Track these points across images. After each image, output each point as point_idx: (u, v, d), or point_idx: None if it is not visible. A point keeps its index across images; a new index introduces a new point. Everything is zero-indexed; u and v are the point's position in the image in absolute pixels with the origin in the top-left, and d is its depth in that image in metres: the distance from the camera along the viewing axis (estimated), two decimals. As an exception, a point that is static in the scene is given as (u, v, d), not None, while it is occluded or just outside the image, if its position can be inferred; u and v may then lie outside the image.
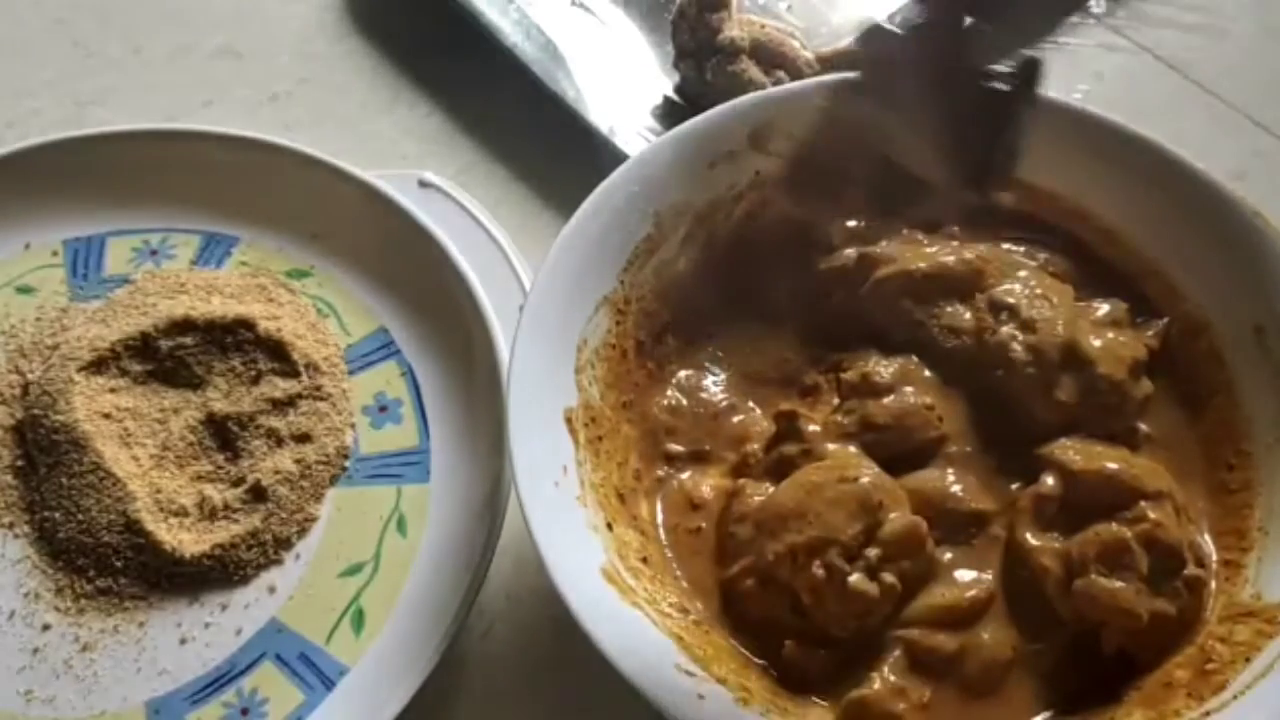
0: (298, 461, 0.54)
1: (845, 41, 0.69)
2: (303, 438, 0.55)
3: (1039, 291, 0.52)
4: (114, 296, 0.59)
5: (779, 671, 0.46)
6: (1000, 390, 0.50)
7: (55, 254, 0.62)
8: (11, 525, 0.53)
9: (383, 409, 0.57)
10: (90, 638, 0.50)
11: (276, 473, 0.53)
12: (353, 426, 0.56)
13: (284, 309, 0.58)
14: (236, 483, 0.54)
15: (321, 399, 0.56)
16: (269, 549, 0.52)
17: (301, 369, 0.56)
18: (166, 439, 0.54)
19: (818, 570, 0.45)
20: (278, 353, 0.56)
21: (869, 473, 0.47)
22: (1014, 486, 0.49)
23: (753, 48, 0.66)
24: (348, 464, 0.55)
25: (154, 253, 0.62)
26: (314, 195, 0.62)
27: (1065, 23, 0.75)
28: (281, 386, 0.55)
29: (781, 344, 0.55)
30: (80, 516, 0.52)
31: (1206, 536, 0.49)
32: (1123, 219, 0.55)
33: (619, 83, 0.69)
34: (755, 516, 0.48)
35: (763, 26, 0.67)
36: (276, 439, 0.54)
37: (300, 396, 0.56)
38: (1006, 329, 0.51)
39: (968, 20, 0.46)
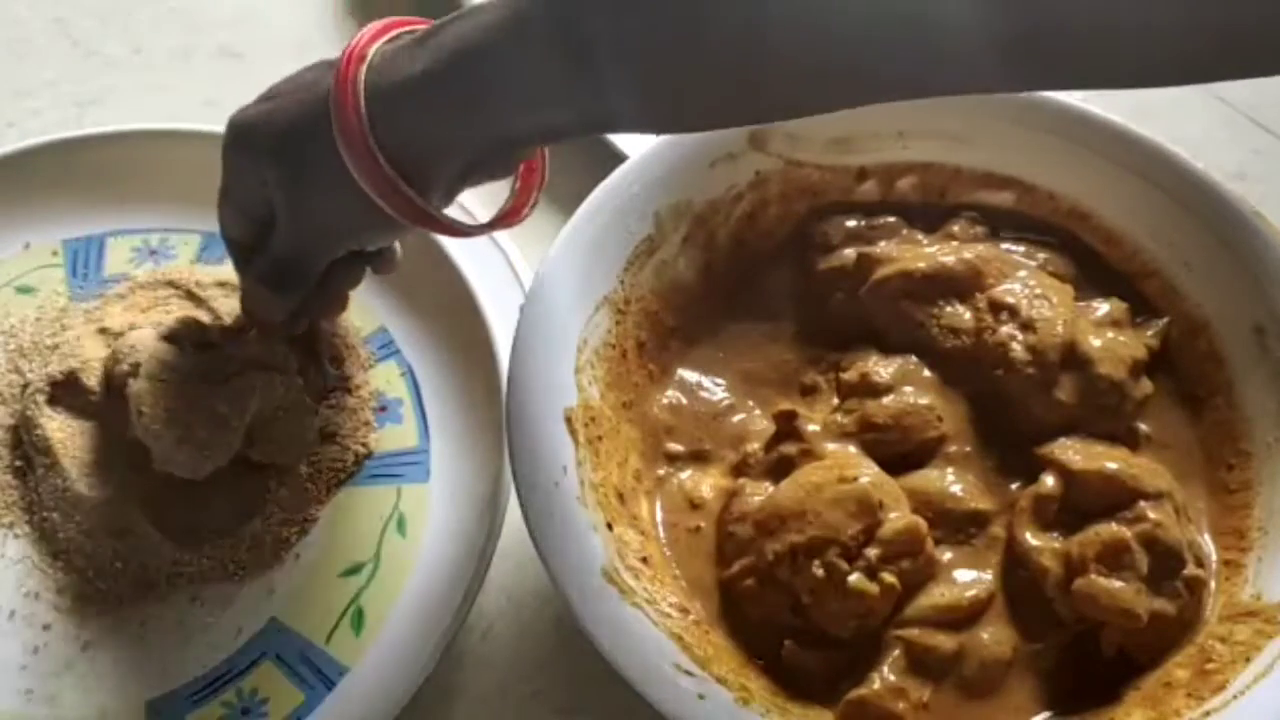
0: (311, 464, 0.54)
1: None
2: (329, 436, 0.55)
3: (1039, 291, 0.52)
4: (109, 294, 0.59)
5: (779, 671, 0.46)
6: (1000, 390, 0.50)
7: (55, 254, 0.62)
8: (11, 525, 0.53)
9: (383, 409, 0.57)
10: (90, 637, 0.50)
11: (281, 474, 0.53)
12: (372, 427, 0.56)
13: None
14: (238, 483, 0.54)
15: (349, 391, 0.56)
16: (269, 549, 0.52)
17: (327, 359, 0.56)
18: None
19: (818, 570, 0.45)
20: (301, 343, 0.56)
21: (869, 473, 0.47)
22: (1014, 486, 0.49)
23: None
24: (359, 469, 0.55)
25: (154, 253, 0.62)
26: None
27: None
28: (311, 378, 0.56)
29: (781, 344, 0.55)
30: (79, 517, 0.52)
31: (1206, 536, 0.49)
32: (1123, 219, 0.55)
33: (619, 83, 0.69)
34: (755, 516, 0.48)
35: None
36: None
37: (330, 388, 0.56)
38: (1006, 329, 0.51)
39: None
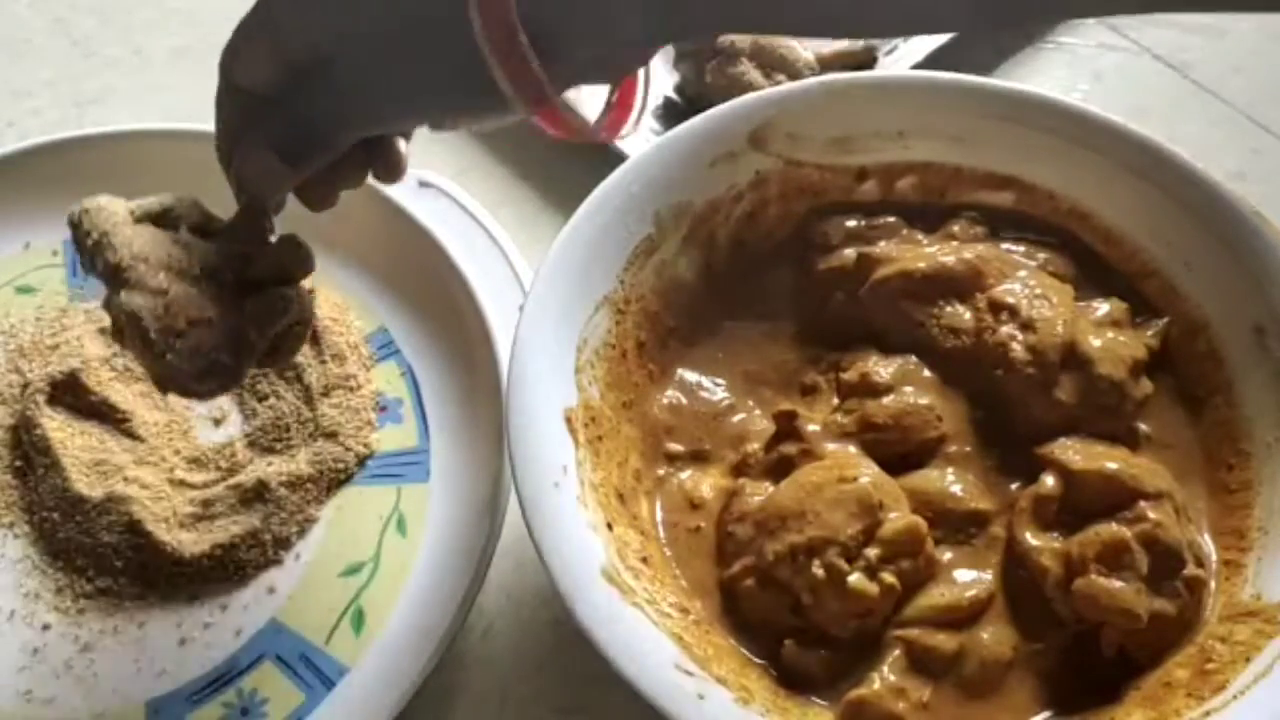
0: (312, 463, 0.54)
1: (846, 42, 0.69)
2: (329, 436, 0.55)
3: (1039, 291, 0.52)
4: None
5: (779, 671, 0.46)
6: (1000, 390, 0.50)
7: (55, 254, 0.62)
8: (11, 525, 0.53)
9: (383, 409, 0.57)
10: (90, 638, 0.50)
11: (281, 474, 0.53)
12: (372, 426, 0.56)
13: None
14: (238, 483, 0.54)
15: (352, 390, 0.56)
16: (269, 549, 0.52)
17: (329, 358, 0.56)
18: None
19: (817, 570, 0.45)
20: (311, 336, 0.56)
21: (869, 472, 0.47)
22: (1014, 486, 0.49)
23: (753, 50, 0.66)
24: (360, 469, 0.55)
25: (154, 253, 0.62)
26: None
27: (1064, 23, 0.75)
28: (317, 372, 0.55)
29: (781, 344, 0.55)
30: (79, 517, 0.52)
31: (1206, 536, 0.49)
32: (1123, 219, 0.55)
33: (619, 83, 0.69)
34: (755, 516, 0.48)
35: (763, 27, 0.67)
36: (309, 432, 0.54)
37: (332, 387, 0.56)
38: (1006, 329, 0.51)
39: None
